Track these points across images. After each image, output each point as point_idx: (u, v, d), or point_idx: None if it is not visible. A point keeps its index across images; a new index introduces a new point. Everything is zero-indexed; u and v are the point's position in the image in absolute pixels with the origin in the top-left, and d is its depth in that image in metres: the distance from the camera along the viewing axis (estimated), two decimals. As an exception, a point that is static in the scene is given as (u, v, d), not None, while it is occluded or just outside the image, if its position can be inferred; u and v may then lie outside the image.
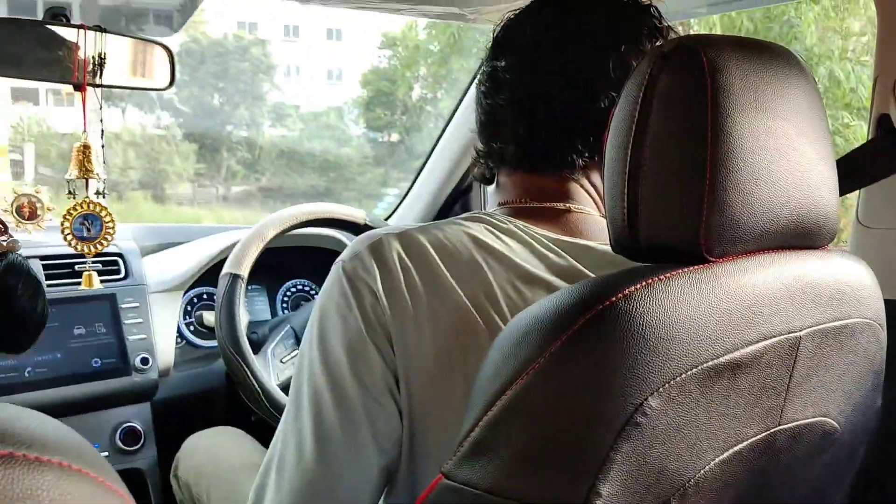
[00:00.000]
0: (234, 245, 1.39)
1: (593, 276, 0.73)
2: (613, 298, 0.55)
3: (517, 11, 0.86)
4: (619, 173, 0.62)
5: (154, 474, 1.46)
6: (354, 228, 1.49)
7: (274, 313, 1.77)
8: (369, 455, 0.72)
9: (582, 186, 0.84)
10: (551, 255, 0.75)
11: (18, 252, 0.90)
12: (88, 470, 0.37)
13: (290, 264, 1.78)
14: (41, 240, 1.45)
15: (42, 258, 1.40)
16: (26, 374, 1.30)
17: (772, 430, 0.65)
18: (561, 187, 0.83)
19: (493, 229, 0.76)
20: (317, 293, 1.81)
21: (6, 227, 0.93)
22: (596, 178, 0.84)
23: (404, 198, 1.89)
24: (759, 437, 0.65)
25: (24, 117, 17.46)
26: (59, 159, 16.34)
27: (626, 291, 0.56)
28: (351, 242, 0.77)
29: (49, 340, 1.34)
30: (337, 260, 0.76)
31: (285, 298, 1.79)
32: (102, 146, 1.18)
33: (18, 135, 16.76)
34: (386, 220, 1.84)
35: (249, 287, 1.74)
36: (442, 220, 0.78)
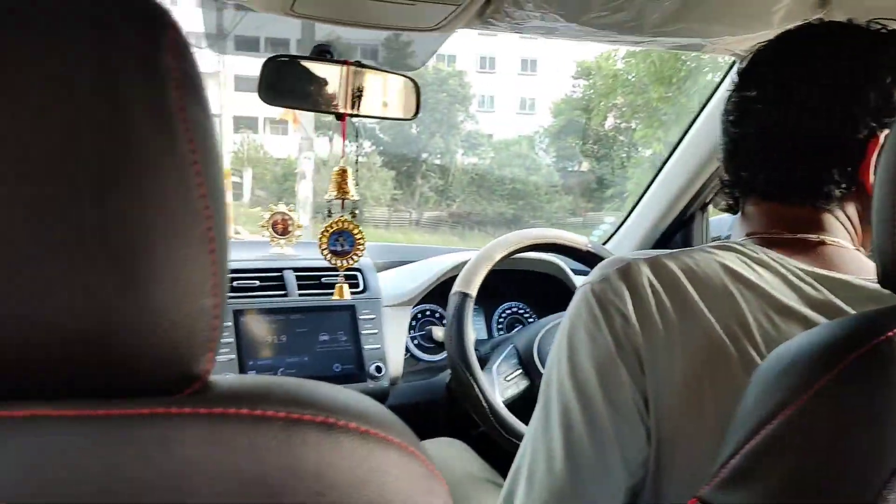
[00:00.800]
0: (459, 265, 1.47)
1: (851, 311, 0.71)
2: (890, 333, 0.54)
3: (766, 42, 0.86)
4: (891, 206, 0.61)
5: None
6: (576, 254, 1.53)
7: (490, 334, 1.84)
8: (617, 474, 0.73)
9: (836, 218, 0.81)
10: (806, 288, 0.74)
11: None
12: (423, 455, 0.43)
13: (505, 287, 1.84)
14: (293, 253, 1.61)
15: (295, 269, 1.55)
16: (279, 374, 1.44)
17: None
18: (813, 218, 0.81)
19: (744, 259, 0.76)
20: (531, 317, 1.86)
21: None
22: (851, 209, 0.81)
23: (621, 225, 1.91)
24: None
25: (244, 144, 19.16)
26: (273, 182, 17.75)
27: None
28: (597, 266, 0.79)
29: (300, 344, 1.47)
30: (583, 282, 0.78)
31: (500, 320, 1.85)
32: (356, 170, 1.30)
33: (239, 160, 18.41)
34: (602, 245, 1.85)
35: None
36: (689, 248, 0.78)
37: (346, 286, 1.31)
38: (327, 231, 1.27)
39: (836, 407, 0.56)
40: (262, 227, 1.60)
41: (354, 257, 1.29)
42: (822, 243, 0.80)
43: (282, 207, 1.62)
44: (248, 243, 1.69)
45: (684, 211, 1.70)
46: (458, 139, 19.78)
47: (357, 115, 1.27)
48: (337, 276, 1.42)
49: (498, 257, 1.42)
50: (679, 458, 0.72)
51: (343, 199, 1.27)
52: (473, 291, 1.38)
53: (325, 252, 1.28)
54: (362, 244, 1.29)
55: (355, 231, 1.28)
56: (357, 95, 1.26)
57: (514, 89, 23.07)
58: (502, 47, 23.30)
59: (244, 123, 20.58)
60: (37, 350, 0.36)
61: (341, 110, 1.25)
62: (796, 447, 0.57)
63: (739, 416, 0.61)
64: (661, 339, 0.71)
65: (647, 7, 1.09)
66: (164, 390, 0.39)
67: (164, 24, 0.40)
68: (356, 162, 1.33)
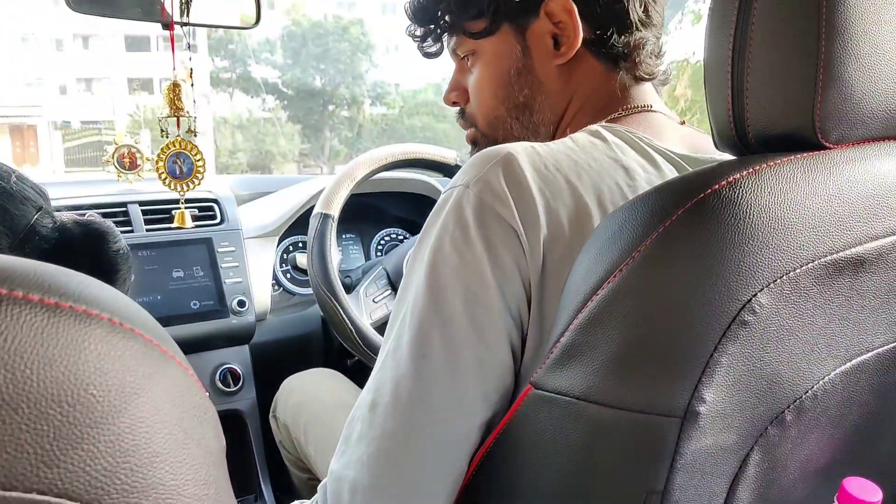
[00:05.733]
0: (323, 190, 1.38)
1: None
2: (716, 186, 0.50)
3: None
4: (721, 60, 0.55)
5: (254, 415, 1.47)
6: (445, 170, 1.45)
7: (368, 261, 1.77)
8: (473, 407, 0.62)
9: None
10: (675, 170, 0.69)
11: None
12: (141, 331, 0.35)
13: (384, 212, 1.77)
14: (140, 188, 1.49)
15: (141, 203, 1.43)
16: (129, 315, 1.33)
17: None
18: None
19: (617, 143, 0.68)
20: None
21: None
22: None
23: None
24: (886, 347, 0.58)
25: (140, 106, 18.40)
26: (173, 143, 17.18)
27: (731, 178, 0.50)
28: (468, 161, 0.65)
29: (149, 283, 1.37)
30: (452, 183, 0.65)
31: (379, 246, 1.78)
32: (192, 85, 1.19)
33: (136, 123, 17.69)
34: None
35: (344, 236, 1.74)
36: (561, 140, 0.68)
37: (186, 213, 1.20)
38: (163, 153, 1.16)
39: (660, 269, 0.51)
40: (107, 161, 1.47)
41: (195, 180, 1.18)
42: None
43: (127, 139, 1.48)
44: (92, 182, 1.54)
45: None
46: (364, 90, 19.45)
47: (186, 24, 1.15)
48: (189, 207, 1.31)
49: (360, 175, 1.33)
50: None
51: (178, 117, 1.16)
52: (334, 211, 1.29)
53: (164, 176, 1.17)
54: (202, 166, 1.19)
55: (194, 152, 1.17)
56: (186, 2, 1.15)
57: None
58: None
59: (139, 86, 19.73)
60: None
61: (168, 18, 1.14)
62: (620, 317, 0.52)
63: (570, 288, 0.55)
64: (551, 256, 0.60)
65: None
66: None
67: None
68: (191, 74, 1.20)
